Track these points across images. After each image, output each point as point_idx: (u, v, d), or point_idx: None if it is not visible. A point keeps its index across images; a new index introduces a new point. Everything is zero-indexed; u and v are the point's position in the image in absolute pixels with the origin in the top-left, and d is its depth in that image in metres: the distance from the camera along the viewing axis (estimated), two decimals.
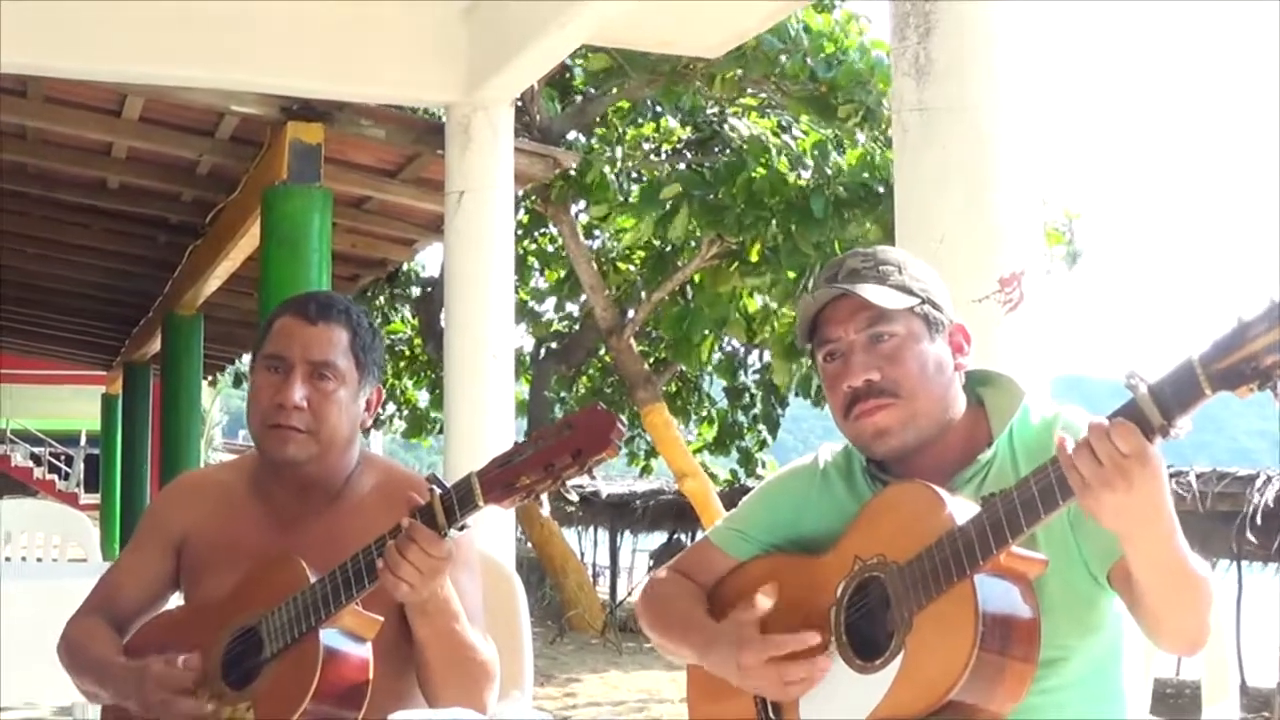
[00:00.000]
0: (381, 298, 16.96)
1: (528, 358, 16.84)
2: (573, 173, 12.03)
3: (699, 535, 7.14)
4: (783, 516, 2.68)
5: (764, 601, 2.47)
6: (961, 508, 2.29)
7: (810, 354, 2.59)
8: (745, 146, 12.23)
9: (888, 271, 2.52)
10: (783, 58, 10.94)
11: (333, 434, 2.87)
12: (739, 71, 11.50)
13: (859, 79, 10.76)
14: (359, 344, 2.90)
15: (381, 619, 2.67)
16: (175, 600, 3.10)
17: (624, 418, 16.22)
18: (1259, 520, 9.64)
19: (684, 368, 15.66)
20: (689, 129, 13.72)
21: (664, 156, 13.58)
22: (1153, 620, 2.32)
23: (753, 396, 17.04)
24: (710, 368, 16.24)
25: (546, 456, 2.42)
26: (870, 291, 2.47)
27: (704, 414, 17.70)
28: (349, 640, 2.66)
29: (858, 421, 2.48)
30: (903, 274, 2.52)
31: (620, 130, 13.37)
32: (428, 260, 16.90)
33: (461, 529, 2.56)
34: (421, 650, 2.75)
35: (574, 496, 17.35)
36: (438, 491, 2.55)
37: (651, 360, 15.63)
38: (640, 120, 13.76)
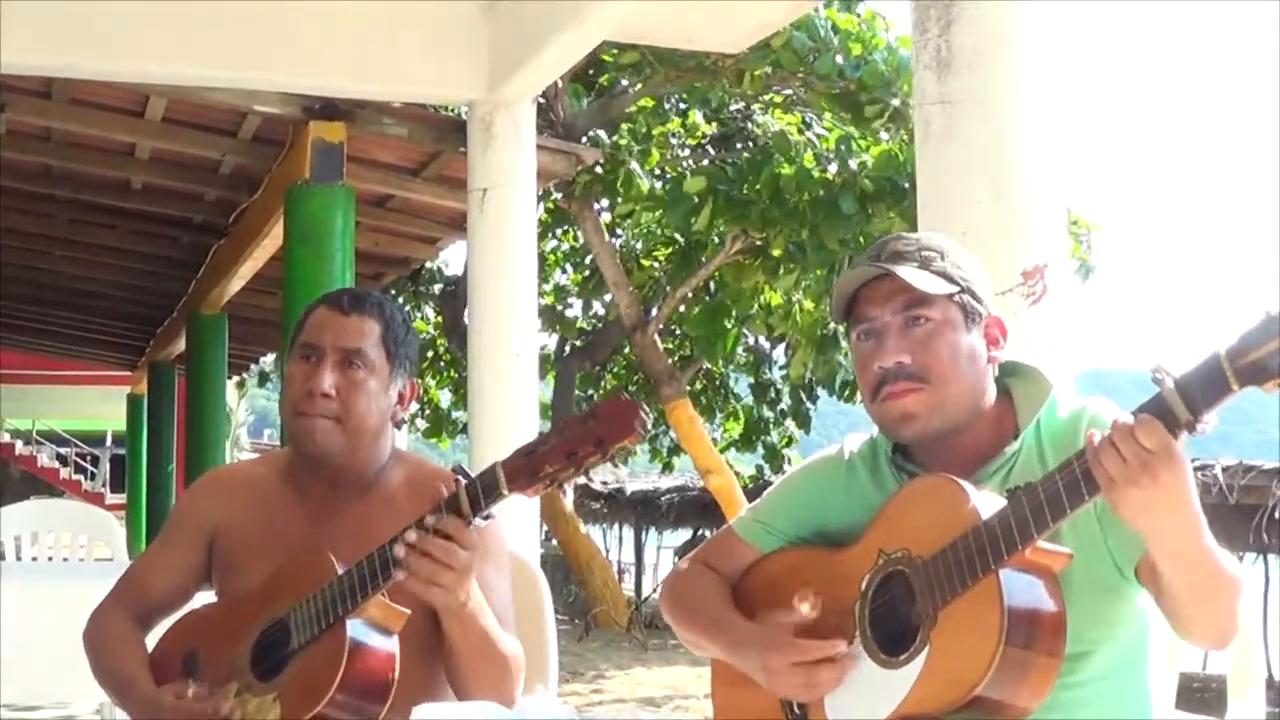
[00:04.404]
0: (404, 296, 16.97)
1: (552, 355, 16.84)
2: (599, 169, 12.04)
3: None
4: (807, 508, 2.68)
5: (804, 608, 2.46)
6: (986, 502, 2.28)
7: (845, 332, 2.59)
8: (770, 142, 12.22)
9: (930, 257, 2.51)
10: (811, 56, 10.92)
11: (360, 423, 2.88)
12: (768, 69, 11.47)
13: (884, 80, 10.74)
14: (391, 337, 2.92)
15: (408, 611, 2.68)
16: (201, 596, 3.12)
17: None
18: None
19: (709, 364, 15.65)
20: (714, 125, 13.72)
21: (688, 152, 13.58)
22: (1180, 615, 2.31)
23: (778, 392, 17.02)
24: (735, 364, 16.23)
25: (570, 445, 2.44)
26: (910, 274, 2.46)
27: (729, 410, 17.68)
28: (376, 632, 2.67)
29: (885, 403, 2.48)
30: (945, 260, 2.51)
31: (646, 126, 13.36)
32: (451, 258, 16.89)
33: (487, 518, 2.58)
34: (454, 651, 2.76)
35: (599, 485, 17.36)
36: (463, 481, 2.58)
37: (676, 357, 15.63)
38: (666, 117, 13.75)
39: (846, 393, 14.13)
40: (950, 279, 2.49)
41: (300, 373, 2.90)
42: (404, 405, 2.99)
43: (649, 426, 2.44)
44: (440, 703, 2.72)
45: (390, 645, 2.68)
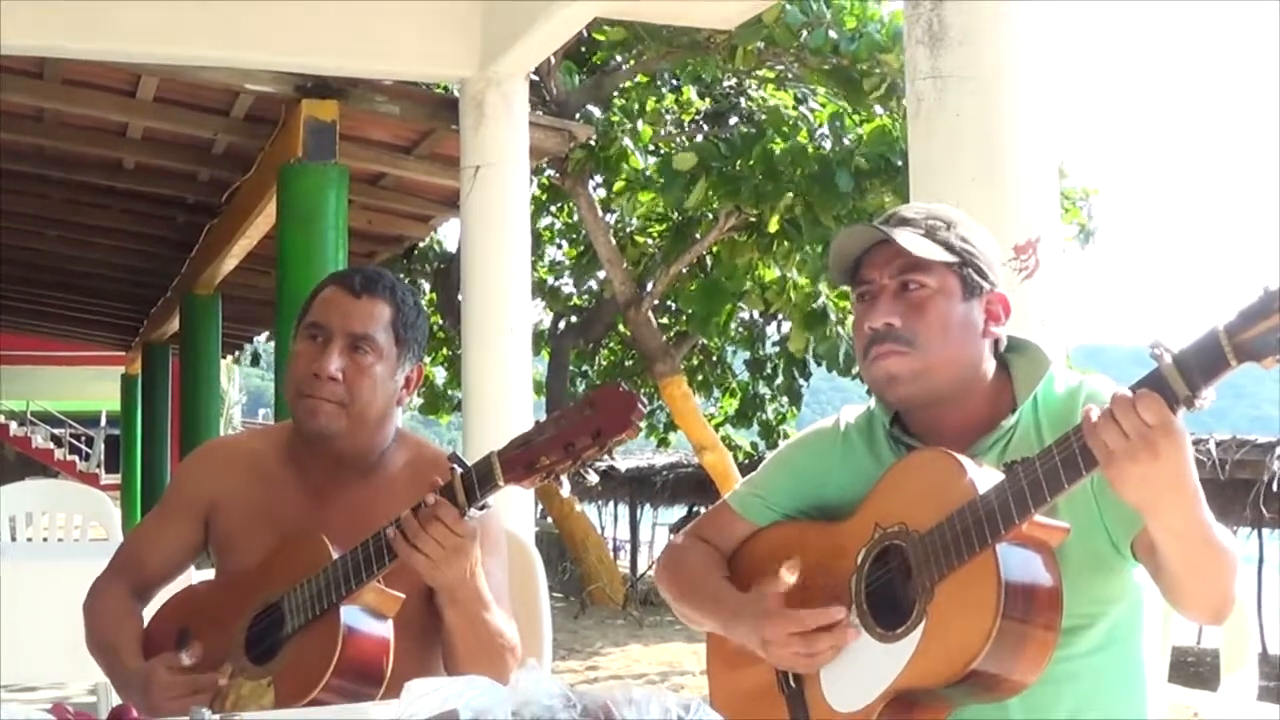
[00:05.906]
0: (399, 275, 16.89)
1: (546, 332, 16.81)
2: (592, 146, 12.00)
3: None
4: (803, 481, 2.67)
5: (788, 577, 2.46)
6: (983, 476, 2.29)
7: (849, 294, 2.60)
8: (765, 117, 12.18)
9: (935, 226, 2.51)
10: (804, 31, 10.89)
11: (364, 409, 2.86)
12: (760, 44, 11.43)
13: (879, 49, 10.70)
14: (401, 321, 2.89)
15: (403, 596, 2.67)
16: (194, 571, 3.11)
17: (644, 391, 16.24)
18: (1276, 488, 9.59)
19: (704, 340, 15.63)
20: (707, 101, 13.68)
21: (682, 129, 13.54)
22: (1176, 590, 2.32)
23: (774, 368, 16.99)
24: (731, 340, 16.20)
25: (567, 436, 2.42)
26: (908, 240, 2.46)
27: (726, 386, 17.65)
28: (370, 617, 2.66)
29: (872, 364, 2.49)
30: (950, 231, 2.51)
31: (638, 103, 13.32)
32: (445, 236, 16.82)
33: (482, 509, 2.56)
34: (450, 636, 2.75)
35: (594, 478, 17.35)
36: (458, 471, 2.55)
37: (670, 333, 15.61)
38: (659, 93, 13.70)
39: (845, 366, 14.07)
40: (952, 249, 2.49)
41: (306, 353, 2.87)
42: (409, 390, 2.96)
43: (645, 418, 2.43)
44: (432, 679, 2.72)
45: (385, 631, 2.68)
